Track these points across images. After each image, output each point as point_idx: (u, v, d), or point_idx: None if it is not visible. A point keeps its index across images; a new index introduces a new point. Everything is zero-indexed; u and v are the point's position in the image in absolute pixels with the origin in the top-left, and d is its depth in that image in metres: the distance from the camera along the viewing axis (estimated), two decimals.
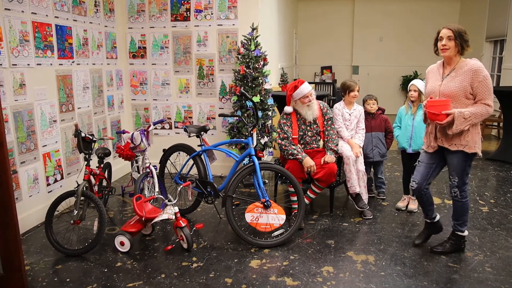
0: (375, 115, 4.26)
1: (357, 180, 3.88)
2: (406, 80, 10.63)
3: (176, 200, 3.33)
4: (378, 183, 4.43)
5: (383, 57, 10.98)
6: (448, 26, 2.90)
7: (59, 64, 4.10)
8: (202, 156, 3.89)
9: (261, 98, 4.72)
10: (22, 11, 3.58)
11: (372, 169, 4.40)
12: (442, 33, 2.92)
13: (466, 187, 3.06)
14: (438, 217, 3.31)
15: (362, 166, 3.92)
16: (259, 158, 3.58)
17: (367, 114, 4.27)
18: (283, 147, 3.68)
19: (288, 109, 3.78)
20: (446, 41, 2.88)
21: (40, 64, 3.82)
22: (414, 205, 4.09)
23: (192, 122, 5.45)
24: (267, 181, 4.98)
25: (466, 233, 3.20)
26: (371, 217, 3.91)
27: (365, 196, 3.94)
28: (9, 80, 3.46)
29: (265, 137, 4.76)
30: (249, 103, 4.62)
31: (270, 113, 4.84)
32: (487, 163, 5.94)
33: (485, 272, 2.91)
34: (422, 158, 3.17)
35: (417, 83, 3.88)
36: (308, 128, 3.78)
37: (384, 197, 4.42)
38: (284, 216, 3.38)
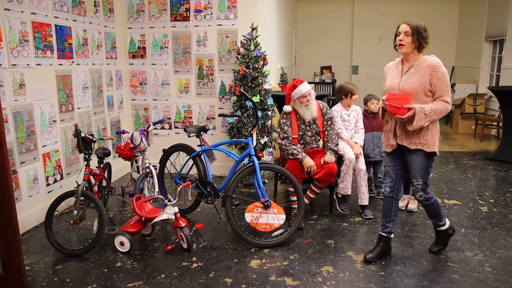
0: (376, 115, 4.27)
1: (351, 182, 3.90)
2: None
3: (176, 200, 3.33)
4: (378, 183, 4.43)
5: (383, 57, 10.92)
6: (407, 22, 2.84)
7: (59, 64, 4.10)
8: (202, 156, 3.89)
9: (261, 98, 4.73)
10: (22, 11, 3.58)
11: (371, 169, 4.40)
12: (400, 28, 2.86)
13: (429, 188, 3.00)
14: (392, 235, 3.18)
15: (363, 165, 3.93)
16: (259, 158, 3.58)
17: (368, 113, 4.28)
18: (283, 146, 3.68)
19: (287, 108, 3.79)
20: (403, 36, 2.83)
21: (39, 64, 3.82)
22: (413, 205, 4.09)
23: (192, 122, 5.45)
24: (267, 181, 4.98)
25: (447, 224, 3.15)
26: (372, 216, 3.91)
27: (366, 196, 3.94)
28: (8, 80, 3.46)
29: (265, 137, 4.76)
30: (248, 103, 4.62)
31: (269, 113, 4.84)
32: (486, 162, 5.95)
33: (484, 272, 2.91)
34: (387, 161, 3.10)
35: None
36: (308, 128, 3.78)
37: None
38: (284, 216, 3.39)
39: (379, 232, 3.16)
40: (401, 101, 2.77)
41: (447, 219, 3.17)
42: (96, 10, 4.75)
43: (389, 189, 3.07)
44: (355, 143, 3.99)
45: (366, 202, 3.95)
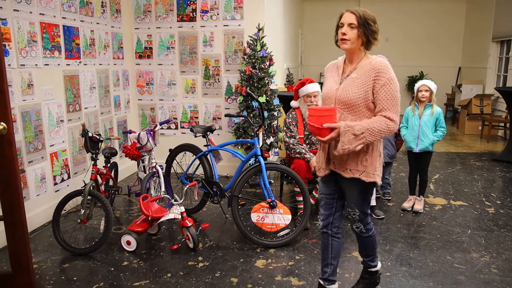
0: None
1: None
2: (412, 81, 10.59)
3: (182, 200, 3.35)
4: (384, 184, 4.41)
5: (389, 57, 10.66)
6: (352, 10, 2.20)
7: (67, 65, 4.13)
8: (208, 156, 3.91)
9: (267, 98, 4.73)
10: (31, 12, 3.62)
11: None
12: (343, 18, 2.20)
13: (369, 218, 2.44)
14: (336, 285, 2.56)
15: None
16: (265, 158, 3.59)
17: None
18: (291, 145, 3.68)
19: (293, 103, 3.82)
20: (347, 29, 2.17)
21: (47, 64, 3.85)
22: (419, 206, 4.08)
23: (198, 122, 5.47)
24: (272, 181, 4.99)
25: (379, 265, 2.61)
26: (384, 216, 3.90)
27: (374, 196, 3.93)
28: (17, 80, 3.49)
29: (271, 137, 4.76)
30: (255, 103, 4.63)
31: (276, 113, 4.84)
32: (493, 164, 5.91)
33: (491, 274, 2.90)
34: (321, 188, 2.48)
35: (428, 83, 3.87)
36: None
37: (390, 198, 4.41)
38: (289, 216, 3.39)
39: (318, 279, 2.62)
40: (322, 119, 2.12)
41: (379, 263, 2.63)
42: (103, 10, 4.78)
43: (322, 223, 2.48)
44: None
45: (374, 203, 3.94)
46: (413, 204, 4.14)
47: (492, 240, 3.43)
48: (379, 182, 2.28)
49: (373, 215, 3.94)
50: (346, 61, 2.33)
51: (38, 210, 3.78)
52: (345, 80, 2.25)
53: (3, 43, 3.24)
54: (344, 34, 2.18)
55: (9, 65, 3.39)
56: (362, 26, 2.17)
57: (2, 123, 2.41)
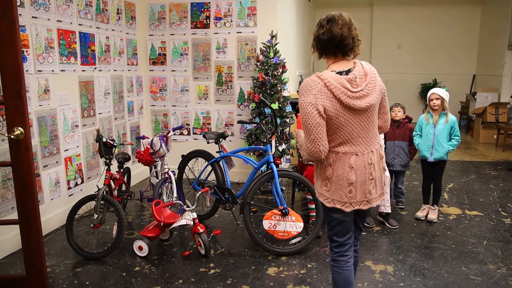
0: (400, 124, 4.18)
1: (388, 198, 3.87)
2: (425, 88, 10.49)
3: (194, 206, 3.35)
4: (397, 193, 4.35)
5: (402, 65, 10.87)
6: None
7: (82, 71, 4.19)
8: (221, 163, 3.91)
9: (280, 105, 4.73)
10: (48, 19, 3.68)
11: (393, 178, 4.33)
12: None
13: (336, 248, 2.17)
14: None
15: (387, 172, 3.88)
16: (277, 165, 3.58)
17: (392, 122, 4.20)
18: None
19: None
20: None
21: (63, 70, 3.91)
22: (433, 215, 4.02)
23: (211, 128, 5.49)
24: (284, 188, 4.96)
25: None
26: (397, 226, 3.86)
27: (389, 203, 3.90)
28: (34, 85, 3.55)
29: (283, 144, 4.75)
30: (267, 110, 4.63)
31: (288, 120, 4.84)
32: (509, 173, 5.81)
33: (508, 286, 2.84)
34: None
35: (438, 91, 3.84)
36: None
37: (403, 207, 4.36)
38: (301, 224, 3.37)
39: None
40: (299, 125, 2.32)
41: None
42: (119, 17, 4.85)
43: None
44: None
45: (389, 210, 3.89)
46: (427, 214, 4.08)
47: (509, 252, 3.36)
48: (327, 205, 2.08)
49: (387, 224, 3.89)
50: None
51: (52, 214, 3.82)
52: None
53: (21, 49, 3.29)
54: None
55: (27, 71, 3.45)
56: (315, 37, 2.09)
57: (19, 128, 2.45)
